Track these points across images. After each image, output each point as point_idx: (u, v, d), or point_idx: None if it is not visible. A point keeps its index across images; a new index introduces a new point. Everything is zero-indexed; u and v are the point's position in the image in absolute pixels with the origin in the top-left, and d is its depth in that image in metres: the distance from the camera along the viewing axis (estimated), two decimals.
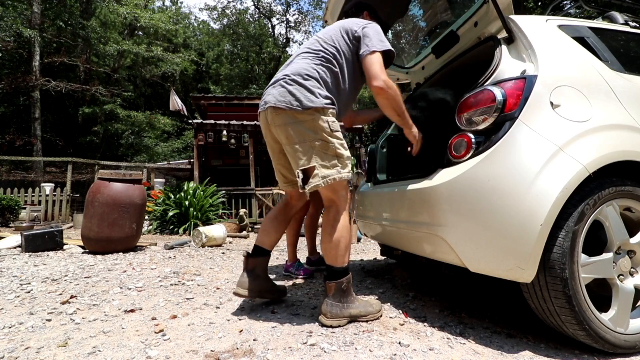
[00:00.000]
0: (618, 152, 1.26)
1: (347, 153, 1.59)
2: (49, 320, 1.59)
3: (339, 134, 1.57)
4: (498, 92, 1.34)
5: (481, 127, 1.37)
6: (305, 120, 1.49)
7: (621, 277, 1.28)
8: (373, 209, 2.13)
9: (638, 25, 1.94)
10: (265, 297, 1.80)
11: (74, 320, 1.58)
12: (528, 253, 1.18)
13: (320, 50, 1.61)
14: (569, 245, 1.19)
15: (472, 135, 1.38)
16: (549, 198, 1.17)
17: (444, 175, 1.41)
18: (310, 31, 25.27)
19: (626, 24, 1.95)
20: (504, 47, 1.52)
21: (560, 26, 1.61)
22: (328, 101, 1.53)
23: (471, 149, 1.37)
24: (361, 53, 1.59)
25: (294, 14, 24.14)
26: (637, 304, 1.33)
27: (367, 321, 1.54)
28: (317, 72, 1.55)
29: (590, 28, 1.67)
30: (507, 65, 1.44)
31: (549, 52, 1.46)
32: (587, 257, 1.24)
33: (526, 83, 1.33)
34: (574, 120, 1.28)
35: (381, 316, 1.61)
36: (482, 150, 1.33)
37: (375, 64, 1.54)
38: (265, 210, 7.73)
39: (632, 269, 1.30)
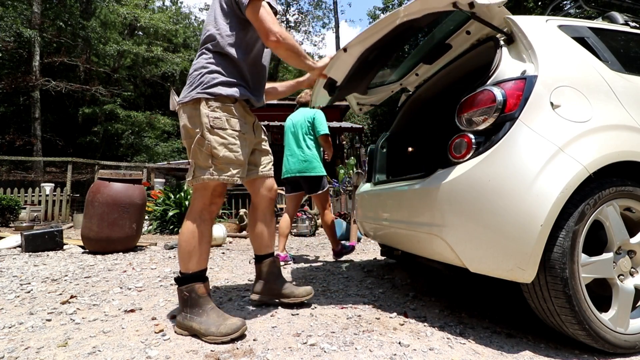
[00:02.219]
0: (618, 153, 1.26)
1: (227, 154, 1.44)
2: (49, 320, 1.59)
3: (226, 133, 1.44)
4: (498, 93, 1.34)
5: (481, 127, 1.37)
6: (187, 115, 1.47)
7: (621, 277, 1.28)
8: (373, 210, 2.13)
9: (638, 26, 1.94)
10: (277, 299, 1.77)
11: (74, 320, 1.58)
12: (528, 253, 1.18)
13: (204, 39, 1.52)
14: (569, 245, 1.19)
15: (472, 136, 1.38)
16: (549, 198, 1.17)
17: (444, 176, 1.41)
18: (310, 31, 25.30)
19: (626, 24, 1.95)
20: (504, 48, 1.51)
21: (560, 26, 1.61)
22: (207, 93, 1.43)
23: (471, 150, 1.37)
24: (243, 5, 1.41)
25: (294, 14, 24.11)
26: (637, 304, 1.33)
27: (208, 342, 1.33)
28: (201, 62, 1.48)
29: (590, 28, 1.67)
30: (507, 65, 1.44)
31: (549, 53, 1.46)
32: (588, 257, 1.24)
33: (526, 83, 1.33)
34: (574, 121, 1.28)
35: (229, 342, 1.33)
36: (482, 151, 1.33)
37: (262, 17, 1.39)
38: None
39: (632, 269, 1.30)
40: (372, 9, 24.57)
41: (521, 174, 1.23)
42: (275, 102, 9.58)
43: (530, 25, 1.59)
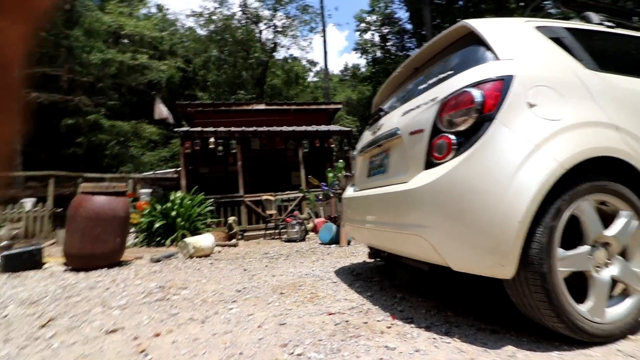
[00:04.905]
0: (592, 149, 1.28)
1: None
2: (25, 347, 1.53)
3: None
4: (477, 94, 1.36)
5: (461, 128, 1.38)
6: None
7: (597, 268, 1.30)
8: (358, 212, 2.13)
9: (612, 25, 1.99)
10: None
11: (51, 346, 1.53)
12: (507, 250, 1.19)
13: None
14: (546, 241, 1.21)
15: (452, 137, 1.40)
16: (526, 196, 1.19)
17: (427, 177, 1.42)
18: (297, 35, 25.34)
19: (601, 23, 2.00)
20: (482, 48, 1.54)
21: (538, 27, 1.65)
22: None
23: (452, 150, 1.38)
24: None
25: (281, 19, 24.09)
26: (613, 293, 1.35)
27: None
28: None
29: (567, 29, 1.71)
30: (485, 66, 1.46)
31: (526, 53, 1.49)
32: (565, 251, 1.26)
33: (504, 84, 1.35)
34: (550, 119, 1.31)
35: None
36: (462, 151, 1.35)
37: None
38: (255, 217, 7.66)
39: (607, 261, 1.32)
40: (358, 12, 24.75)
41: (499, 173, 1.24)
42: (262, 107, 9.55)
43: (509, 27, 1.63)
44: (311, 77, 28.79)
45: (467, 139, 1.36)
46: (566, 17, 2.38)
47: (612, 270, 1.31)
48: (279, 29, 24.19)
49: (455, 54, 1.74)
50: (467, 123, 1.36)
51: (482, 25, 1.60)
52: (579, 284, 1.30)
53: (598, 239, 1.31)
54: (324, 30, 19.72)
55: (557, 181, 1.22)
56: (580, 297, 1.28)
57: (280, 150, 9.51)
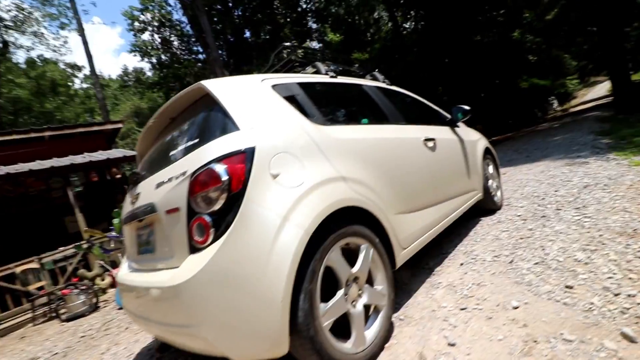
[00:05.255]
0: (327, 206, 1.44)
1: None
2: None
3: None
4: (222, 170, 1.28)
5: (215, 208, 1.28)
6: None
7: (354, 302, 1.54)
8: (132, 303, 1.73)
9: (334, 75, 2.32)
10: None
11: None
12: (278, 329, 1.20)
13: None
14: (309, 306, 1.29)
15: (208, 218, 1.27)
16: (283, 273, 1.22)
17: (191, 267, 1.25)
18: (42, 33, 19.34)
19: (326, 74, 2.31)
20: (222, 115, 1.48)
21: (274, 87, 1.72)
22: None
23: (211, 234, 1.26)
24: None
25: (8, 9, 17.58)
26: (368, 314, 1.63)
27: None
28: None
29: (299, 84, 1.88)
30: (228, 137, 1.40)
31: (264, 120, 1.51)
32: (325, 304, 1.39)
33: (247, 157, 1.33)
34: (292, 187, 1.38)
35: None
36: (220, 234, 1.25)
37: None
38: (12, 298, 5.31)
39: (359, 292, 1.58)
40: (128, 9, 21.34)
41: (256, 255, 1.22)
42: None
43: (246, 90, 1.61)
44: (79, 84, 23.04)
45: (222, 219, 1.27)
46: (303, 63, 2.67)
47: (364, 299, 1.58)
48: (8, 23, 17.85)
49: (201, 114, 1.62)
50: (219, 203, 1.28)
51: (218, 88, 1.54)
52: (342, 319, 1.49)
53: (349, 278, 1.54)
54: (80, 28, 15.94)
55: (307, 246, 1.32)
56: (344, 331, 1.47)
57: (40, 193, 7.09)
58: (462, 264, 2.38)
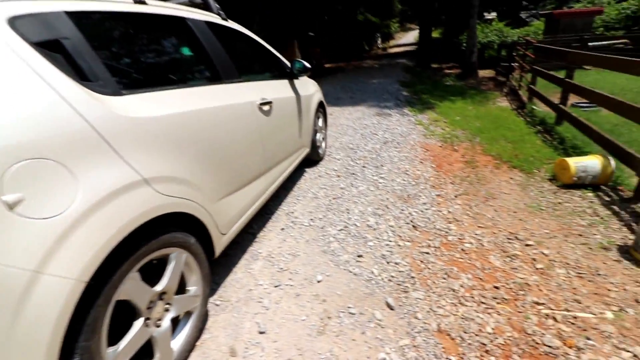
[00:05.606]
0: (123, 227, 1.06)
1: None
2: None
3: None
4: None
5: None
6: None
7: (159, 322, 1.33)
8: None
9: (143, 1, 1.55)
10: None
11: None
12: None
13: None
14: None
15: None
16: (39, 352, 0.87)
17: None
18: None
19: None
20: None
21: (14, 21, 0.98)
22: None
23: None
24: None
25: None
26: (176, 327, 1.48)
27: None
28: None
29: (69, 14, 1.14)
30: None
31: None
32: (114, 347, 1.12)
33: None
34: (49, 216, 0.91)
35: None
36: None
37: None
38: None
39: (167, 306, 1.38)
40: None
41: None
42: None
43: None
44: None
45: None
46: None
47: (173, 313, 1.39)
48: None
49: None
50: None
51: None
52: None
53: (153, 299, 1.30)
54: None
55: (84, 295, 0.97)
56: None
57: None
58: (282, 229, 2.51)
